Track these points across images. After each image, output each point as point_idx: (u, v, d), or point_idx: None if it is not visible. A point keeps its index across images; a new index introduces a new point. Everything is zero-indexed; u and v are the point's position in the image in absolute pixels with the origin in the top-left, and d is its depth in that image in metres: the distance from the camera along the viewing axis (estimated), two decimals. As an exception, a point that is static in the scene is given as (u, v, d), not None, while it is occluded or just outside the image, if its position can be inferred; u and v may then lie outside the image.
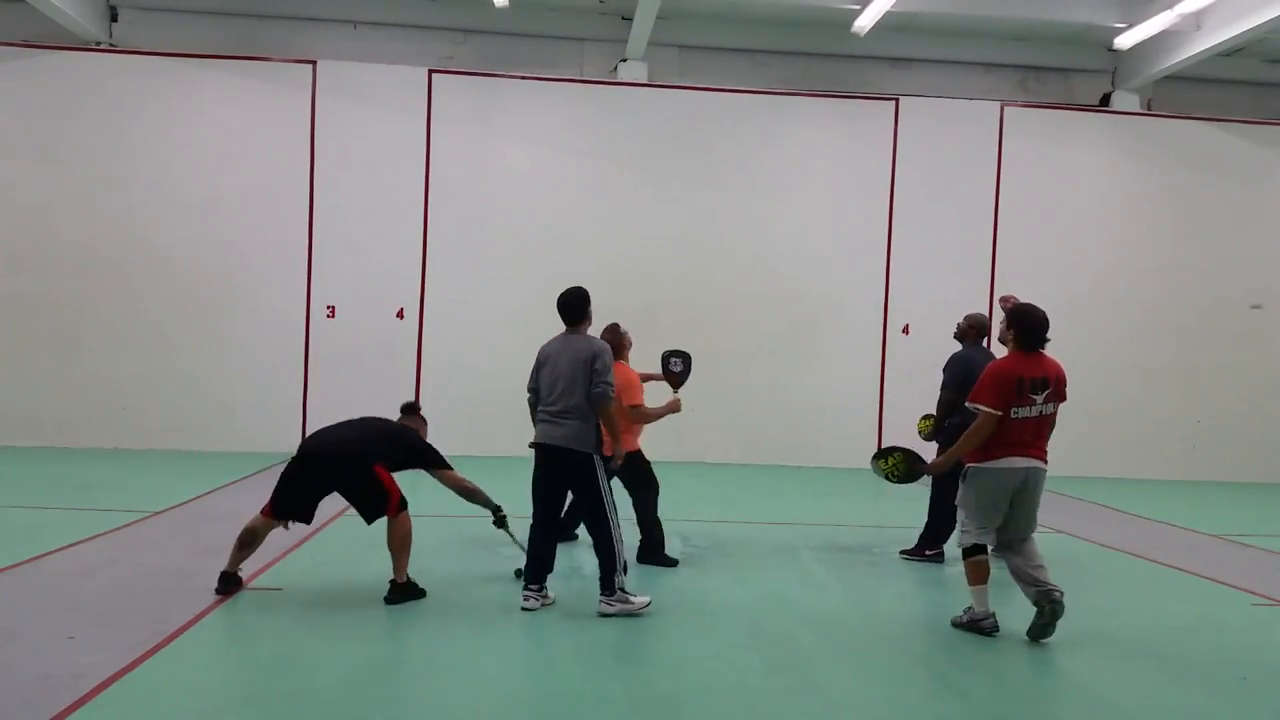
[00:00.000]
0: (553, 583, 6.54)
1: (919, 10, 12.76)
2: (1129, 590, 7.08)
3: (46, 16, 12.22)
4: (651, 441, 14.73)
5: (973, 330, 7.89)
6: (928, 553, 7.74)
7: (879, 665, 5.15)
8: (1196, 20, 12.47)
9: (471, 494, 6.50)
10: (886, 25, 12.82)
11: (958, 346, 7.91)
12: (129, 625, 5.19)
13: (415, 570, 6.85)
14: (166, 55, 13.07)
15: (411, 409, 6.81)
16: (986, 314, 8.56)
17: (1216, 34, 12.31)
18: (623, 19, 13.54)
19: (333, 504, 9.11)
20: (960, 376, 7.39)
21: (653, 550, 7.27)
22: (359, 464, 6.02)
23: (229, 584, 5.97)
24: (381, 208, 13.29)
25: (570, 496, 6.37)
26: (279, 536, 7.49)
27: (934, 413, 7.73)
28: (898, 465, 6.57)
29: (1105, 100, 14.44)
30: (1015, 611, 6.34)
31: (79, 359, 12.83)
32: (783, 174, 13.86)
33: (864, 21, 12.40)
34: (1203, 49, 12.60)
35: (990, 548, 5.81)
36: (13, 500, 8.97)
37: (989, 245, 14.08)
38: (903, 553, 7.83)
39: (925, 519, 7.86)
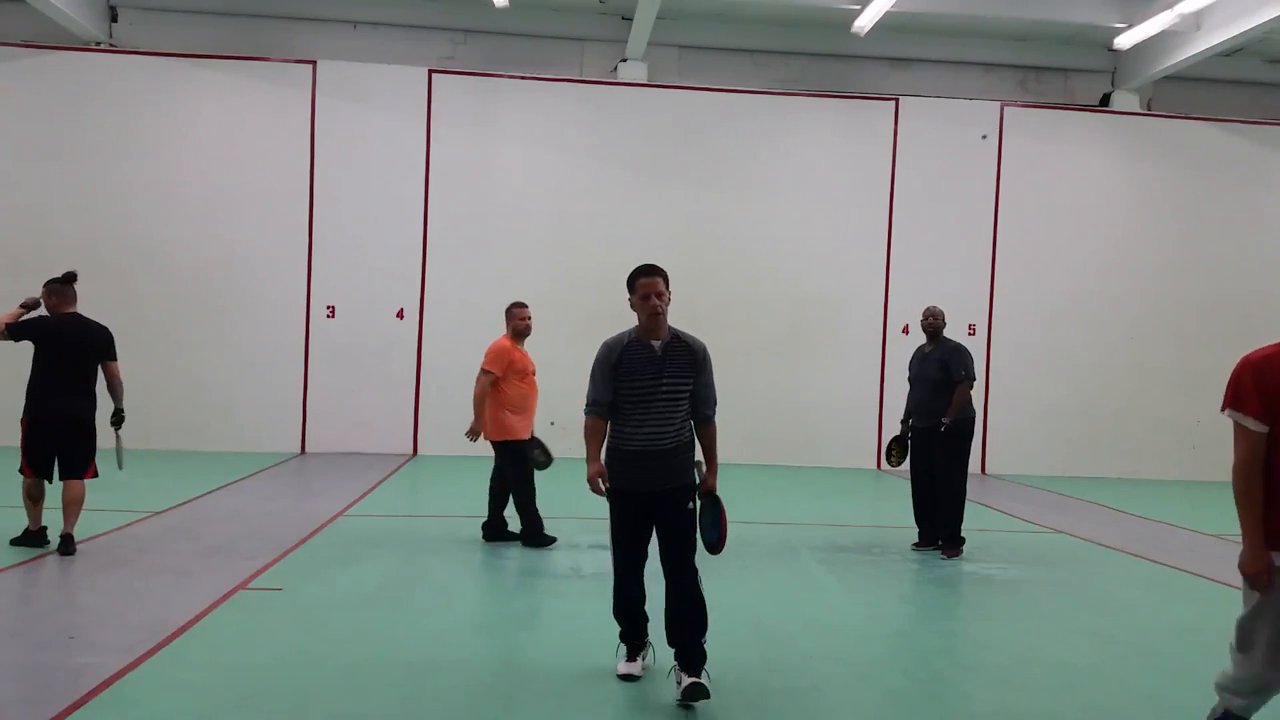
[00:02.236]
0: (552, 582, 6.53)
1: (919, 10, 12.75)
2: (1129, 590, 7.08)
3: (46, 16, 12.22)
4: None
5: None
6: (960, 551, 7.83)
7: (879, 665, 5.15)
8: (1196, 20, 12.47)
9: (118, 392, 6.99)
10: (886, 25, 12.82)
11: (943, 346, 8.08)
12: (129, 625, 5.19)
13: (415, 569, 6.86)
14: (166, 55, 13.08)
15: (72, 279, 7.14)
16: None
17: (1216, 34, 12.31)
18: (623, 19, 13.54)
19: (333, 504, 9.14)
20: (972, 365, 7.92)
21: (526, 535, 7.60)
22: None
23: (42, 540, 6.80)
24: (381, 208, 13.28)
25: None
26: (280, 536, 7.51)
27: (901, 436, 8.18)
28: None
29: (1105, 100, 14.44)
30: (996, 611, 6.34)
31: (79, 359, 12.82)
32: (783, 174, 13.86)
33: (864, 21, 12.40)
34: (1203, 49, 12.60)
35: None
36: (13, 500, 8.96)
37: (989, 245, 14.08)
38: (943, 555, 7.81)
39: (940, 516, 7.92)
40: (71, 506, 6.74)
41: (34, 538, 6.82)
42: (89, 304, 12.75)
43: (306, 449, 13.17)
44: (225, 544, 7.22)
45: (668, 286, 4.67)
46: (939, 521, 7.87)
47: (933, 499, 7.93)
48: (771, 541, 8.19)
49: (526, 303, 7.95)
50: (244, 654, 4.86)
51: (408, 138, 13.32)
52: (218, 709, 4.13)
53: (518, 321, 7.76)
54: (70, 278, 7.08)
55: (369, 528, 8.18)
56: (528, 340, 7.92)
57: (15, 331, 6.73)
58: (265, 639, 5.15)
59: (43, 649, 4.77)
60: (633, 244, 13.45)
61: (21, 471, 6.80)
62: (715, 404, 4.71)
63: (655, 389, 4.49)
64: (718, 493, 4.67)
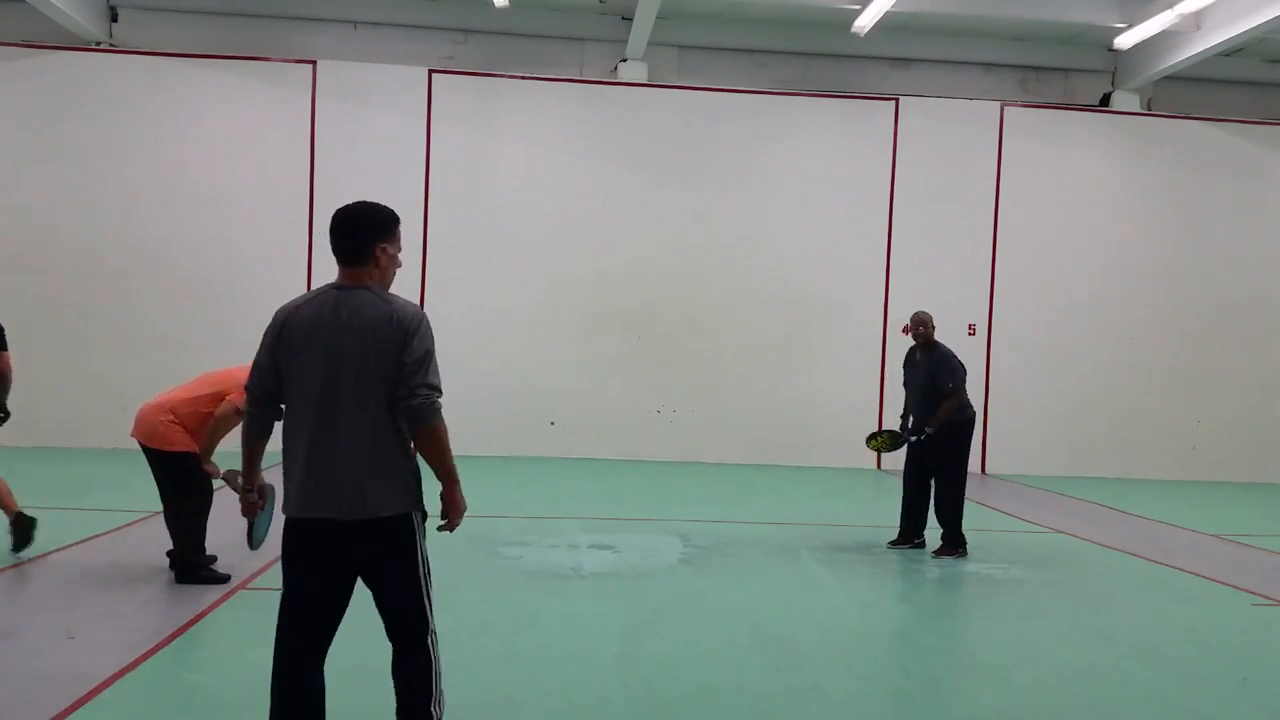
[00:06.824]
0: (552, 583, 6.53)
1: (919, 10, 12.74)
2: (1129, 590, 7.08)
3: (46, 16, 12.21)
4: (651, 441, 14.68)
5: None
6: (961, 552, 7.83)
7: (879, 665, 5.16)
8: (1196, 20, 12.47)
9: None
10: (886, 25, 12.81)
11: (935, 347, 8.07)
12: (129, 625, 5.19)
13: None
14: (166, 55, 13.08)
15: None
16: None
17: (1216, 34, 12.31)
18: (623, 19, 13.54)
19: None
20: (964, 373, 7.88)
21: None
22: None
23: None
24: (381, 208, 13.26)
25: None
26: (281, 535, 7.50)
27: (893, 429, 8.28)
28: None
29: (1105, 100, 14.44)
30: (996, 611, 6.34)
31: (79, 359, 12.82)
32: (783, 174, 13.86)
33: (864, 21, 12.39)
34: (1203, 49, 12.59)
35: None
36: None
37: (989, 245, 14.08)
38: (935, 553, 7.84)
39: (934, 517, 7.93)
40: None
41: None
42: (89, 304, 12.86)
43: (306, 449, 13.16)
44: (225, 543, 7.20)
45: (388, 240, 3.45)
46: (937, 521, 7.91)
47: (920, 498, 8.02)
48: (771, 541, 8.19)
49: None
50: (244, 654, 4.85)
51: (408, 138, 13.31)
52: (218, 709, 4.13)
53: None
54: None
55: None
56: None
57: None
58: (265, 639, 5.13)
59: (42, 649, 4.77)
60: (633, 244, 13.50)
61: None
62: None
63: None
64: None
